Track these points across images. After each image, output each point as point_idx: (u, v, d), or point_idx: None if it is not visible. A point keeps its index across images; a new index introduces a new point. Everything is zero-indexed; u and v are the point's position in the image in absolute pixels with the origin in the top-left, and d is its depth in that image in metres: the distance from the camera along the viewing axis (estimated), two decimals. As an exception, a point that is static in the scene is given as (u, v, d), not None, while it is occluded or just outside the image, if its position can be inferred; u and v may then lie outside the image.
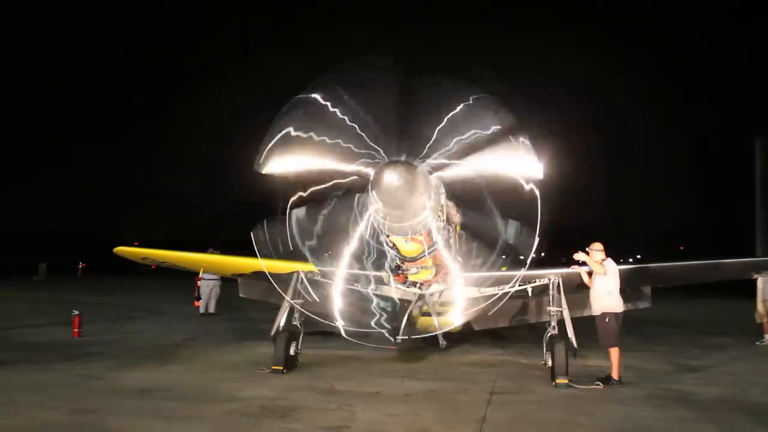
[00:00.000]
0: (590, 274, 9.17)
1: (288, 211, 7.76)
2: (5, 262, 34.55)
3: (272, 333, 9.46)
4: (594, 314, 8.91)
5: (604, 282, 8.76)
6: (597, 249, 8.88)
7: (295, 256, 8.50)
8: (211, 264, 12.31)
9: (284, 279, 9.80)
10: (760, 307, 12.57)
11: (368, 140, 6.97)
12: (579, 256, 8.90)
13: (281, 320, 9.60)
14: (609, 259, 8.88)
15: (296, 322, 9.84)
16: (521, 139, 6.99)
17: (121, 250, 11.39)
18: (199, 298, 15.27)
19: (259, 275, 10.48)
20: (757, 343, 12.38)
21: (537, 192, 7.06)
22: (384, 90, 6.92)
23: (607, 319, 8.66)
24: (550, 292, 9.56)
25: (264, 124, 7.22)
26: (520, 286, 9.48)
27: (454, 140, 7.06)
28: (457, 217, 8.73)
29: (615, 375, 8.52)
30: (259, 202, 8.12)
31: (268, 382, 8.47)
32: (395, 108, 6.96)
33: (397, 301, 10.60)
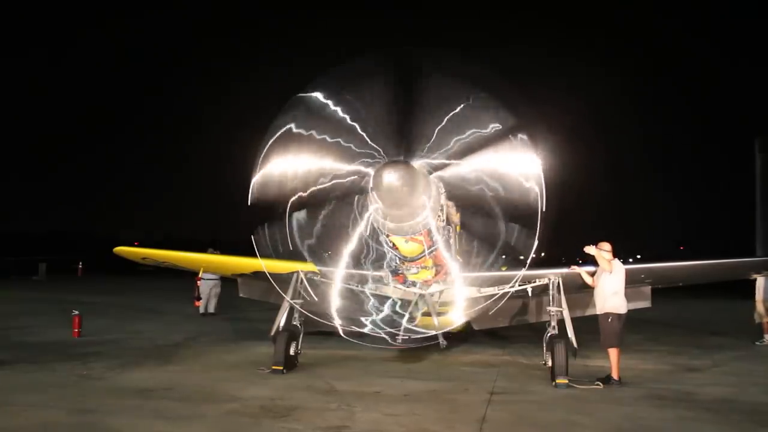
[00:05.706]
0: (592, 274, 9.17)
1: (288, 210, 7.76)
2: (5, 262, 34.47)
3: (272, 333, 9.45)
4: (598, 313, 8.92)
5: (611, 281, 8.75)
6: (605, 249, 8.86)
7: (295, 256, 8.50)
8: (211, 264, 12.30)
9: (284, 279, 9.79)
10: (759, 307, 12.57)
11: (368, 140, 6.96)
12: (590, 249, 8.84)
13: (281, 320, 9.59)
14: (616, 259, 8.87)
15: (296, 322, 9.83)
16: (521, 138, 7.00)
17: (121, 250, 11.38)
18: (199, 298, 15.25)
19: (259, 275, 10.47)
20: (757, 343, 12.39)
21: (537, 191, 7.06)
22: (384, 89, 6.92)
23: (609, 319, 8.67)
24: (550, 292, 9.56)
25: (265, 123, 7.24)
26: (520, 286, 9.48)
27: (454, 140, 7.06)
28: (457, 217, 8.73)
29: (615, 375, 8.53)
30: (260, 203, 8.11)
31: (268, 382, 8.47)
32: (395, 108, 6.96)
33: (397, 301, 10.59)
